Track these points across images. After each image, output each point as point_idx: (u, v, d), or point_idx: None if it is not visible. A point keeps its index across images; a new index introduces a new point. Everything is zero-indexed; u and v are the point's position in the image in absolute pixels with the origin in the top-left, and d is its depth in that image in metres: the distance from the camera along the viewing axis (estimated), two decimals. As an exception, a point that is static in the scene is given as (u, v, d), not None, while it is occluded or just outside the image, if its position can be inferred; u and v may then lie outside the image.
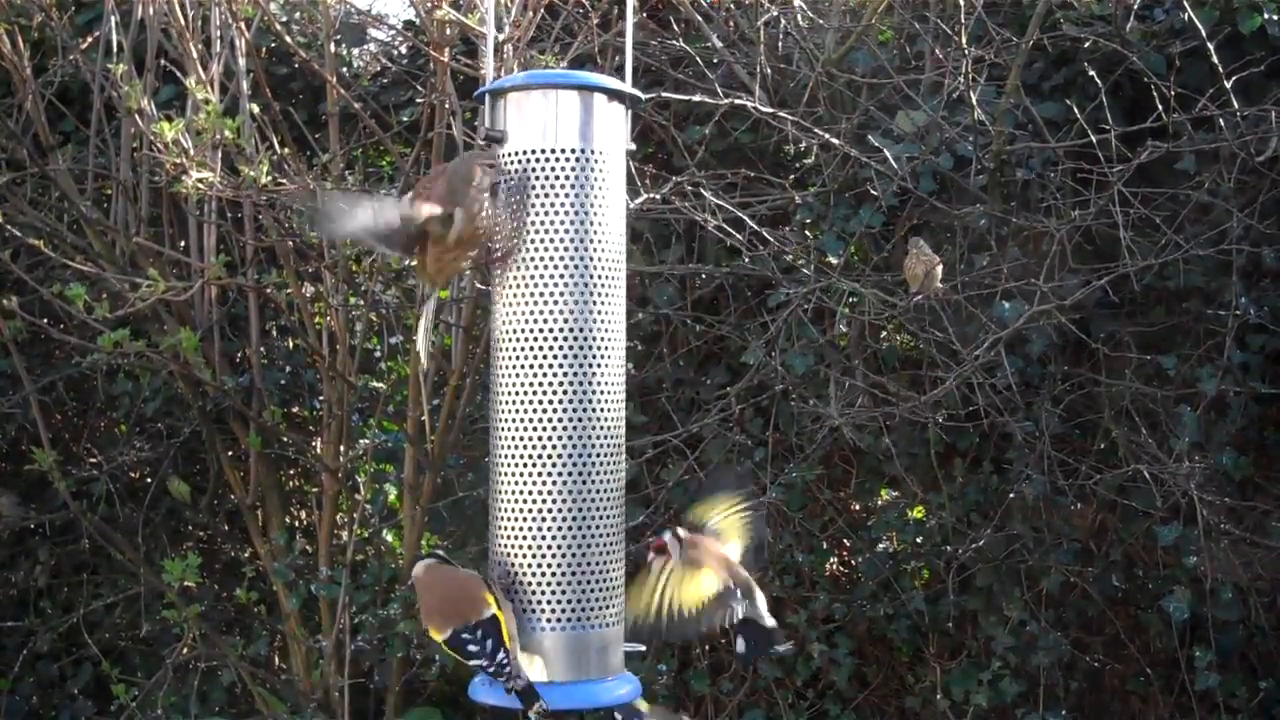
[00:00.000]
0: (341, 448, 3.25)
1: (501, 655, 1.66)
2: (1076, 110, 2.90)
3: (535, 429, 1.71)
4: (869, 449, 3.16)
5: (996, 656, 3.16)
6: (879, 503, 3.43)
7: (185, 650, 3.47)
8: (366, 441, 3.31)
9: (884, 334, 3.38)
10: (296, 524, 3.79)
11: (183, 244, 3.38)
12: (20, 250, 3.25)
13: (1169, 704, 3.23)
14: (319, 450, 3.42)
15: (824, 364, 3.12)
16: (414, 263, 1.88)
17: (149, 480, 3.67)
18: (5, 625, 3.73)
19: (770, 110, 2.96)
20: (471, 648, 1.68)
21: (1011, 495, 3.09)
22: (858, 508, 3.47)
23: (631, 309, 2.96)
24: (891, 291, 3.10)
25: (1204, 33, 2.89)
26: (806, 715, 3.32)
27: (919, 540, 3.26)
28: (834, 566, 3.50)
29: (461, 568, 1.78)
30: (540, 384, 1.70)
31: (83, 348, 3.16)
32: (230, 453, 3.51)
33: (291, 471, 3.81)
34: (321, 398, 3.44)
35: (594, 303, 1.71)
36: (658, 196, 2.72)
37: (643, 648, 1.85)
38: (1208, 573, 2.95)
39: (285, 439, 3.44)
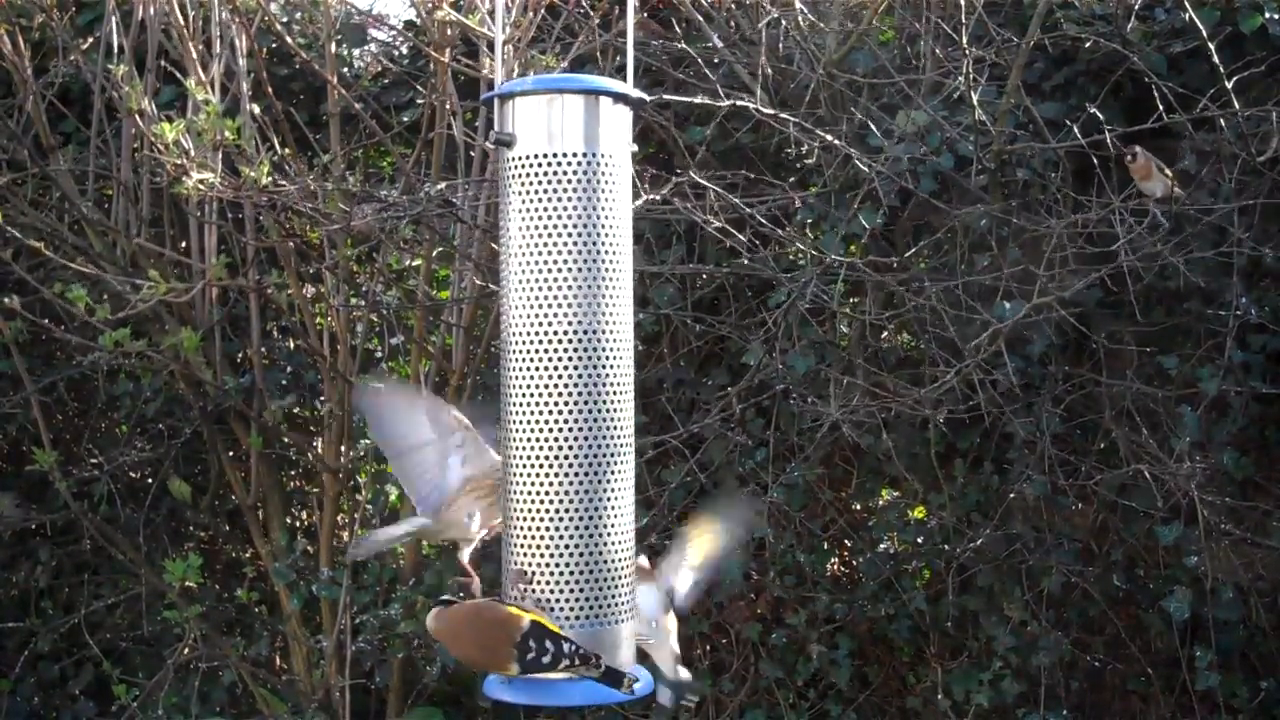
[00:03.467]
0: (342, 448, 3.26)
1: (568, 645, 1.66)
2: (1077, 111, 2.90)
3: (548, 431, 1.72)
4: (870, 449, 3.16)
5: (997, 656, 3.16)
6: (880, 503, 3.43)
7: (186, 650, 3.47)
8: (367, 442, 3.31)
9: (884, 334, 3.38)
10: (297, 524, 3.79)
11: (184, 245, 3.38)
12: (21, 251, 3.25)
13: (1170, 704, 3.23)
14: (320, 451, 3.42)
15: (824, 364, 3.12)
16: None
17: (150, 481, 3.67)
18: (7, 626, 3.74)
19: (771, 111, 2.96)
20: (545, 659, 1.66)
21: (1012, 495, 3.09)
22: (859, 508, 3.47)
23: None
24: (892, 294, 3.11)
25: (1205, 33, 2.89)
26: (807, 715, 3.32)
27: (920, 540, 3.26)
28: (835, 567, 3.51)
29: (464, 601, 1.77)
30: (552, 386, 1.71)
31: (83, 348, 3.17)
32: (231, 453, 3.51)
33: (293, 472, 3.81)
34: (323, 398, 3.44)
35: (603, 305, 1.72)
36: (658, 197, 2.72)
37: (653, 641, 1.87)
38: (1208, 573, 2.95)
39: (286, 439, 3.44)
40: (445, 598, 1.79)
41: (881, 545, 3.36)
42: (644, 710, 3.30)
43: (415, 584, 3.16)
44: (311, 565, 3.32)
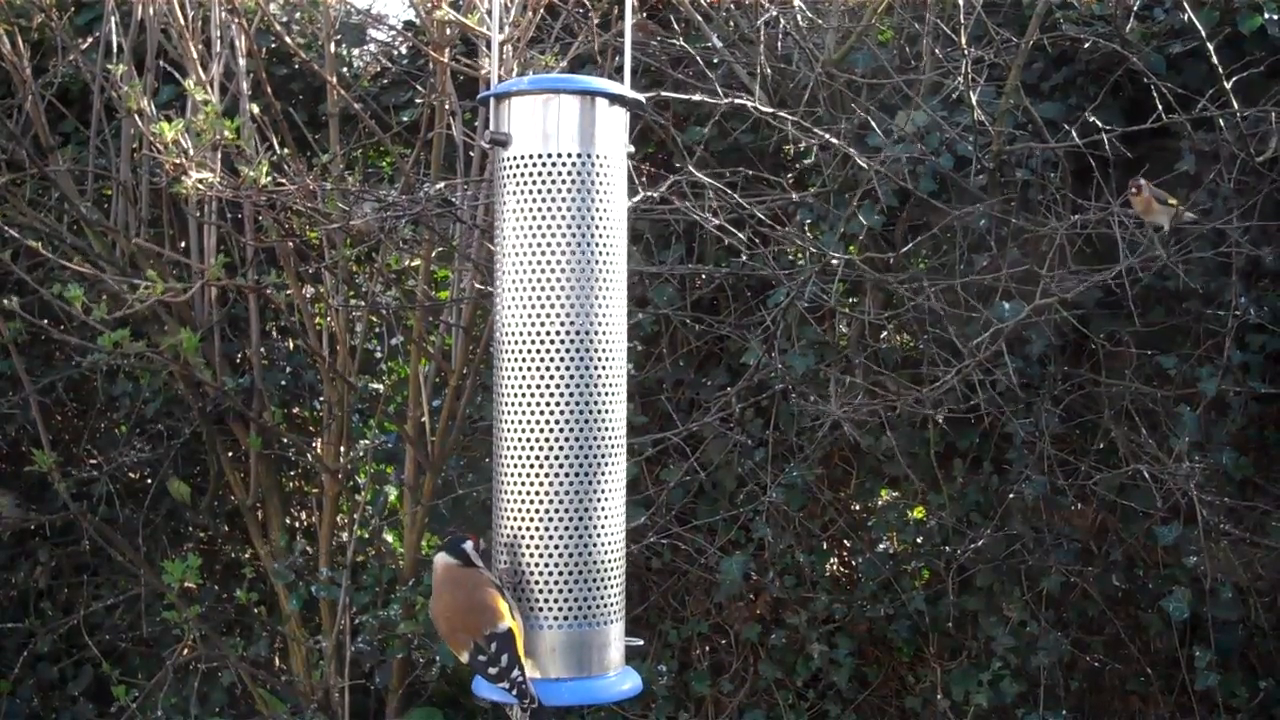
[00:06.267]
0: (342, 449, 3.25)
1: (517, 673, 1.65)
2: (1076, 111, 2.90)
3: (538, 430, 1.72)
4: (869, 449, 3.16)
5: (997, 657, 3.16)
6: (879, 503, 3.43)
7: (185, 651, 3.47)
8: (367, 442, 3.31)
9: (884, 334, 3.38)
10: (297, 525, 3.79)
11: (183, 245, 3.38)
12: (20, 251, 3.25)
13: (1169, 704, 3.23)
14: (319, 451, 3.42)
15: (824, 363, 3.12)
16: None
17: (149, 481, 3.67)
18: (6, 627, 3.73)
19: (770, 110, 2.96)
20: (491, 669, 1.66)
21: (1011, 495, 3.09)
22: (858, 508, 3.47)
23: (631, 309, 2.96)
24: (891, 294, 3.10)
25: (1204, 33, 2.89)
26: (807, 716, 3.32)
27: (919, 540, 3.26)
28: (834, 567, 3.51)
29: (476, 565, 1.76)
30: (542, 386, 1.71)
31: (83, 348, 3.16)
32: (230, 454, 3.51)
33: (292, 472, 3.81)
34: (322, 398, 3.44)
35: (595, 306, 1.72)
36: (655, 195, 2.72)
37: (640, 642, 1.86)
38: (1208, 572, 2.95)
39: (285, 440, 3.44)
40: (465, 543, 1.77)
41: (881, 545, 3.36)
42: (642, 711, 3.30)
43: (415, 584, 3.16)
44: (311, 566, 3.32)
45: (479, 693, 1.74)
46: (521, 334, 1.72)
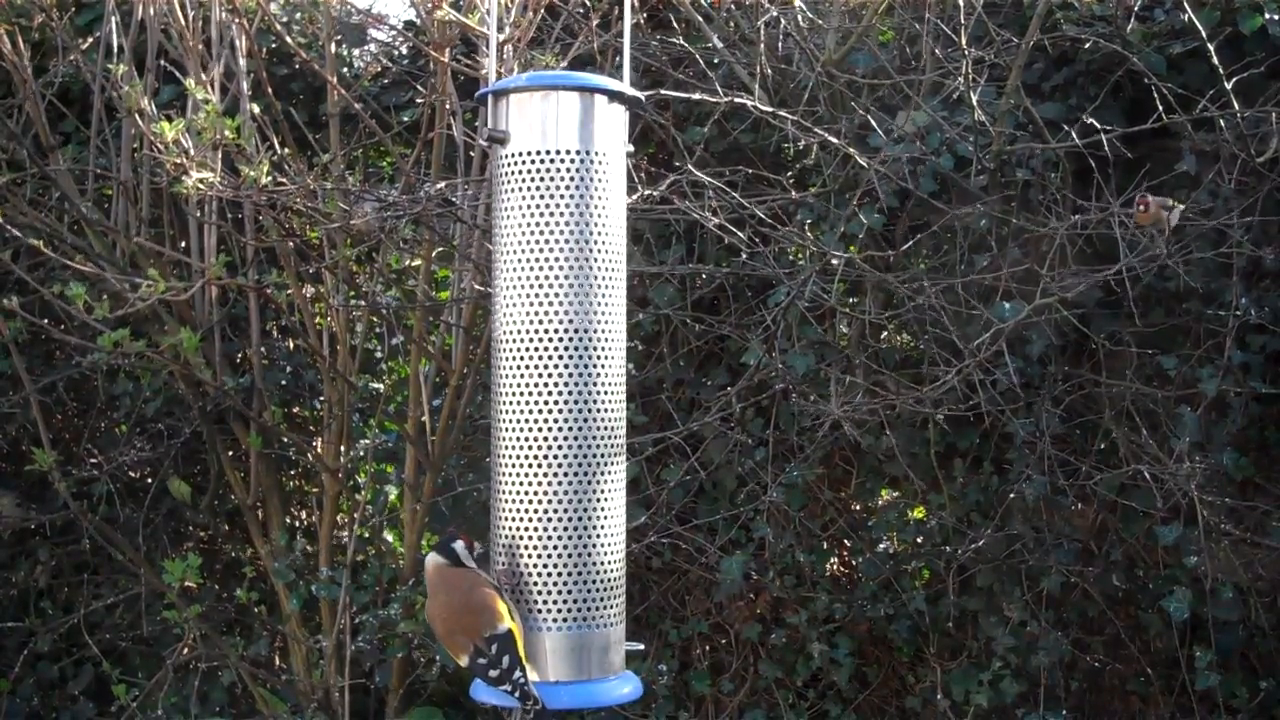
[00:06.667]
0: (342, 448, 3.25)
1: (519, 675, 1.64)
2: (1077, 111, 2.90)
3: (537, 430, 1.71)
4: (870, 449, 3.16)
5: (997, 656, 3.16)
6: (879, 503, 3.43)
7: (186, 651, 3.47)
8: (367, 442, 3.31)
9: (884, 334, 3.38)
10: (297, 524, 3.79)
11: (183, 244, 3.38)
12: (21, 251, 3.25)
13: (1170, 704, 3.23)
14: (319, 450, 3.42)
15: (824, 363, 3.12)
16: None
17: (149, 480, 3.67)
18: (5, 626, 3.73)
19: (770, 110, 2.96)
20: (492, 672, 1.65)
21: (1012, 495, 3.09)
22: (858, 508, 3.47)
23: (632, 309, 2.96)
24: (891, 294, 3.10)
25: (1204, 33, 2.89)
26: (807, 715, 3.32)
27: (919, 540, 3.26)
28: (834, 566, 3.51)
29: (467, 565, 1.75)
30: (542, 385, 1.70)
31: (83, 348, 3.16)
32: (231, 453, 3.51)
33: (292, 472, 3.81)
34: (322, 398, 3.44)
35: (595, 303, 1.71)
36: (655, 194, 2.72)
37: (641, 646, 1.85)
38: (1208, 573, 2.95)
39: (286, 439, 3.44)
40: (456, 543, 1.76)
41: (881, 545, 3.36)
42: (642, 710, 3.30)
43: (415, 583, 3.16)
44: (311, 565, 3.32)
45: (478, 697, 1.72)
46: (521, 332, 1.71)
